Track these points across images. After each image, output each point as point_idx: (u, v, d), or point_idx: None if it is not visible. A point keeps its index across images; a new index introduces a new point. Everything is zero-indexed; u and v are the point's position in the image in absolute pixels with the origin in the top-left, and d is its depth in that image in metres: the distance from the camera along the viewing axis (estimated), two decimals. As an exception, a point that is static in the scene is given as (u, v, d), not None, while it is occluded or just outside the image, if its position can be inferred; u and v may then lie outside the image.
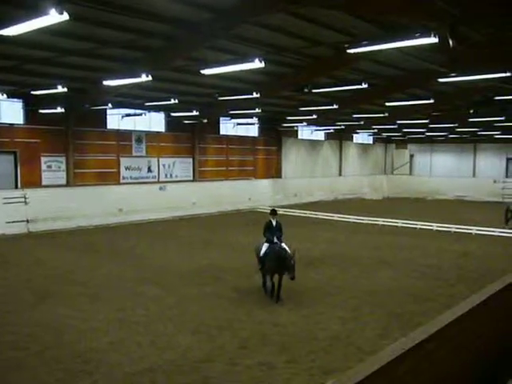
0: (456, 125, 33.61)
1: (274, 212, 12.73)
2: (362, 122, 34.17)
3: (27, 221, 21.82)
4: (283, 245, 12.11)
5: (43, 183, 23.86)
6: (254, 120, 32.49)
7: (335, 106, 23.89)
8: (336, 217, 27.51)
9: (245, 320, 10.54)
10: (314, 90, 20.21)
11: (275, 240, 12.14)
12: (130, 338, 9.42)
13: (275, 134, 36.40)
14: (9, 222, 21.13)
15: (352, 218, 26.90)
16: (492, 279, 10.30)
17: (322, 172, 41.42)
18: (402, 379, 3.74)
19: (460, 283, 13.87)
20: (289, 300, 12.02)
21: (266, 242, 12.23)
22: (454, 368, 5.02)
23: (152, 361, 8.36)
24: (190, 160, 30.73)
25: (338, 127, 37.34)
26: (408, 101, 23.53)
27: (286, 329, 10.00)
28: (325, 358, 8.57)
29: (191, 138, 30.58)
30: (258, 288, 13.07)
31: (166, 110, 27.59)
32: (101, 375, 7.82)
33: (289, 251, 11.70)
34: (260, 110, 26.51)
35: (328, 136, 41.96)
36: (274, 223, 12.37)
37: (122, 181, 27.12)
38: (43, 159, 23.91)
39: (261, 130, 35.34)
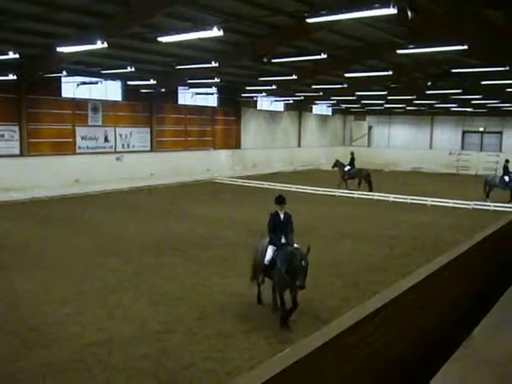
0: (414, 97, 34.06)
1: (281, 200, 9.26)
2: (321, 93, 34.22)
3: (-21, 192, 21.20)
4: (296, 246, 9.00)
5: (-5, 153, 23.12)
6: (213, 90, 32.14)
7: (295, 77, 23.85)
8: (294, 188, 27.67)
9: (203, 291, 10.56)
10: (273, 60, 20.10)
11: (283, 240, 9.06)
12: (88, 309, 9.33)
13: (234, 104, 36.14)
14: (-41, 193, 20.49)
15: (310, 190, 27.11)
16: (445, 249, 10.59)
17: (282, 143, 41.51)
18: (357, 345, 3.81)
19: (415, 253, 14.22)
20: (247, 270, 12.08)
21: (271, 244, 9.09)
22: (409, 334, 5.15)
23: (110, 332, 8.32)
24: (148, 130, 30.25)
25: (298, 98, 37.34)
26: (367, 72, 23.66)
27: (244, 298, 10.07)
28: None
29: (148, 107, 30.05)
30: (216, 259, 13.09)
31: (123, 78, 26.98)
32: (58, 347, 7.74)
33: (304, 254, 8.39)
34: (219, 80, 26.21)
35: (287, 107, 41.94)
36: (281, 216, 9.16)
37: (78, 151, 26.50)
38: (-5, 128, 23.13)
39: (220, 100, 35.01)
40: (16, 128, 23.75)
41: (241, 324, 8.74)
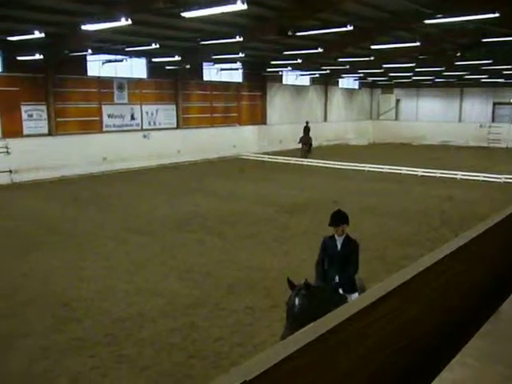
0: (443, 68, 33.30)
1: (337, 219, 6.28)
2: (347, 67, 33.70)
3: (10, 171, 21.57)
4: (352, 297, 6.12)
5: (25, 133, 23.42)
6: (238, 65, 31.92)
7: (320, 50, 23.50)
8: (321, 163, 27.51)
9: (230, 266, 10.64)
10: (298, 34, 19.81)
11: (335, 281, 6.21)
12: (117, 285, 9.49)
13: (259, 79, 35.86)
14: (-9, 173, 20.90)
15: (337, 164, 26.92)
16: (475, 223, 10.40)
17: (308, 118, 41.12)
18: (382, 320, 3.79)
19: (444, 227, 14.06)
20: (274, 245, 12.12)
21: (318, 279, 6.35)
22: (435, 309, 5.10)
23: (139, 307, 8.46)
24: (174, 107, 30.28)
25: (323, 72, 36.84)
26: (394, 44, 23.18)
27: (271, 274, 10.12)
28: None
29: (174, 84, 30.03)
30: (243, 234, 13.15)
31: (148, 55, 26.96)
32: (89, 322, 7.91)
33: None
34: (244, 55, 25.99)
35: (313, 81, 41.46)
36: (338, 244, 6.32)
37: (104, 129, 26.71)
38: (23, 108, 23.38)
39: (245, 75, 34.78)
40: (44, 107, 24.01)
41: (268, 299, 8.80)
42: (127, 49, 23.70)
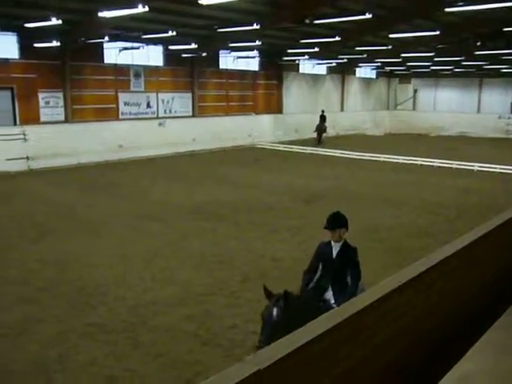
0: (462, 58, 32.88)
1: (334, 222, 5.55)
2: (364, 56, 33.42)
3: (27, 158, 21.73)
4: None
5: (42, 120, 23.58)
6: (255, 53, 31.79)
7: (337, 39, 23.31)
8: (337, 153, 27.37)
9: (245, 255, 10.64)
10: (315, 22, 19.66)
11: (328, 295, 5.51)
12: (132, 272, 9.54)
13: (276, 68, 35.69)
14: (9, 159, 21.04)
15: (353, 155, 26.76)
16: (492, 215, 10.32)
17: (324, 107, 40.90)
18: (400, 310, 3.76)
19: (460, 219, 13.93)
20: (288, 234, 12.10)
21: (303, 290, 5.60)
22: (451, 301, 5.06)
23: (154, 294, 8.49)
24: (190, 95, 30.27)
25: (341, 61, 36.57)
26: (413, 32, 22.90)
27: (285, 263, 10.11)
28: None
29: (190, 72, 30.00)
30: (257, 223, 13.13)
31: (164, 42, 26.93)
32: (105, 308, 7.96)
33: None
34: (260, 43, 25.87)
35: (330, 70, 41.17)
36: (334, 251, 5.56)
37: (121, 117, 26.81)
38: (41, 95, 23.53)
39: (261, 64, 34.63)
40: (60, 94, 24.13)
41: (281, 288, 8.76)
42: (144, 36, 23.72)
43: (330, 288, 5.54)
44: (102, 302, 8.19)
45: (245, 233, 12.33)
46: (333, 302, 5.39)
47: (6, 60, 22.16)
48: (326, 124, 33.99)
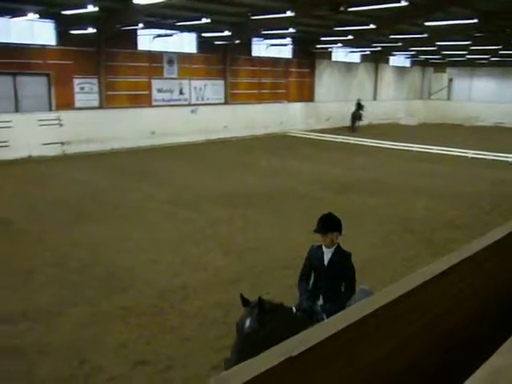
0: (500, 47, 32.09)
1: (326, 225, 5.12)
2: (399, 44, 32.90)
3: (62, 143, 22.11)
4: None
5: (76, 105, 23.94)
6: (288, 41, 31.59)
7: (372, 26, 22.99)
8: (370, 142, 27.10)
9: (274, 242, 10.66)
10: (350, 9, 19.41)
11: (318, 305, 5.07)
12: (163, 257, 9.67)
13: (309, 55, 35.42)
14: (45, 144, 21.46)
15: (386, 144, 26.46)
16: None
17: (356, 96, 40.46)
18: (431, 302, 3.73)
19: (494, 211, 13.69)
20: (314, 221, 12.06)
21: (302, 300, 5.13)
22: (482, 295, 4.99)
23: (184, 279, 8.60)
24: (222, 82, 30.30)
25: (374, 49, 36.09)
26: (450, 20, 22.41)
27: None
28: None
29: (223, 59, 30.00)
30: (287, 211, 13.12)
31: (198, 30, 26.97)
32: (135, 292, 8.10)
33: None
34: (294, 30, 25.70)
35: (363, 58, 40.68)
36: (325, 257, 5.12)
37: (153, 103, 27.02)
38: (76, 81, 23.87)
39: (294, 51, 34.40)
40: (95, 81, 24.44)
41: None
42: (178, 23, 23.79)
43: (321, 298, 5.10)
44: (133, 285, 8.34)
45: (275, 221, 12.35)
46: (324, 316, 4.83)
47: (44, 46, 22.52)
48: (363, 112, 34.13)
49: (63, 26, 22.27)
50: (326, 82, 37.70)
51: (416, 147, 25.34)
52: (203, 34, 27.20)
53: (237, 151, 24.03)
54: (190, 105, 28.33)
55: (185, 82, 28.39)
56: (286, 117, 32.94)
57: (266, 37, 30.05)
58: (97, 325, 7.05)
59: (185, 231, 11.35)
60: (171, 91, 27.72)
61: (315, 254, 5.17)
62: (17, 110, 22.12)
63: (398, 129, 37.14)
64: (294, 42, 32.70)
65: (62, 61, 23.12)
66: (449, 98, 47.55)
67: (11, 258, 9.51)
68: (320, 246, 5.13)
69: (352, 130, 32.56)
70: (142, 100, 26.39)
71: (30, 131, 20.99)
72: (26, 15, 18.62)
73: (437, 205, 14.32)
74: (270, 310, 4.38)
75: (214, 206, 13.64)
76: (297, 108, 34.56)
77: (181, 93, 28.20)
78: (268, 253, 9.99)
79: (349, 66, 39.69)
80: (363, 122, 34.83)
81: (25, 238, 10.77)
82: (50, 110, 22.99)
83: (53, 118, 22.02)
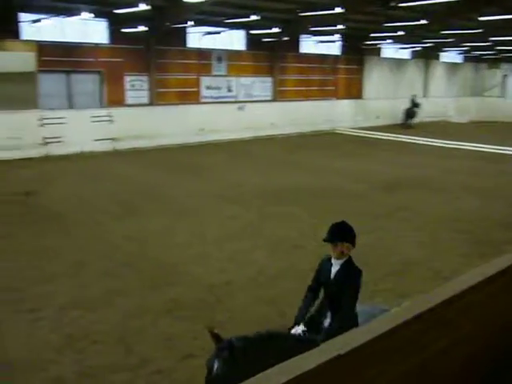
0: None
1: (336, 233, 4.77)
2: (451, 40, 32.15)
3: (112, 139, 22.61)
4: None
5: (127, 102, 24.45)
6: (336, 37, 31.32)
7: (423, 22, 22.54)
8: (419, 140, 26.60)
9: (320, 241, 10.56)
10: (400, 4, 19.10)
11: (326, 322, 4.68)
12: (209, 252, 9.77)
13: (357, 52, 35.00)
14: (96, 140, 22.00)
15: (436, 142, 25.91)
16: None
17: (406, 93, 39.73)
18: (482, 304, 3.65)
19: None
20: (364, 222, 11.94)
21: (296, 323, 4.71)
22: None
23: (230, 275, 8.67)
24: (270, 79, 30.32)
25: (425, 45, 35.37)
26: (506, 15, 21.72)
27: (361, 251, 9.97)
28: (400, 281, 8.54)
29: (271, 56, 30.00)
30: (334, 209, 13.04)
31: (246, 27, 27.06)
32: (182, 286, 8.22)
33: None
34: (343, 27, 25.47)
35: (413, 54, 39.91)
36: (333, 269, 4.68)
37: (202, 100, 27.29)
38: (127, 78, 24.36)
39: (343, 48, 34.07)
40: (145, 78, 24.88)
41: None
42: (227, 21, 23.94)
43: (328, 316, 4.67)
44: (180, 279, 8.47)
45: (321, 219, 12.28)
46: (328, 323, 4.63)
47: (96, 45, 23.06)
48: (418, 109, 33.92)
49: (115, 25, 22.76)
50: (374, 79, 37.19)
51: (467, 145, 24.72)
52: (252, 32, 27.28)
53: (284, 148, 24.00)
54: (237, 102, 28.46)
55: (233, 79, 28.55)
56: (334, 114, 32.66)
57: (315, 33, 29.88)
58: (144, 317, 7.19)
59: (232, 227, 11.43)
60: (219, 88, 27.94)
61: (325, 266, 4.76)
62: (70, 106, 22.79)
63: (449, 127, 36.30)
64: (343, 39, 32.39)
65: (113, 58, 23.64)
66: (502, 96, 46.11)
67: (64, 250, 9.81)
68: (330, 258, 4.70)
69: (405, 126, 32.23)
70: (190, 97, 26.69)
71: (82, 127, 21.57)
72: (80, 15, 19.11)
73: (490, 204, 13.92)
74: (243, 351, 3.84)
75: (261, 202, 13.68)
76: (345, 105, 34.22)
77: (229, 90, 28.37)
78: (314, 251, 9.96)
79: (398, 63, 39.02)
80: (415, 120, 34.31)
81: (77, 230, 11.09)
82: (102, 106, 23.54)
83: (104, 115, 22.54)
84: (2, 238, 10.45)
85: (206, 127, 25.67)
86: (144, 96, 24.96)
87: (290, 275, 8.68)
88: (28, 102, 20.50)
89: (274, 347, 3.92)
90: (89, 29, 22.64)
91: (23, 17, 20.46)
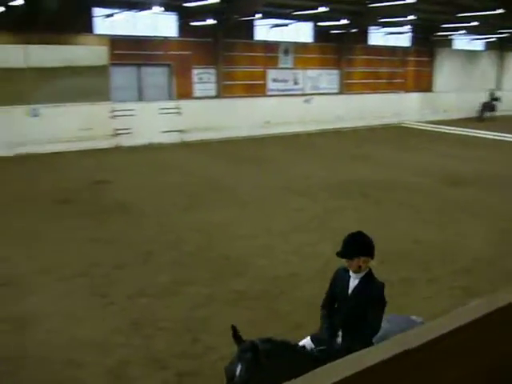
0: None
1: (353, 247, 4.19)
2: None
3: (180, 131, 23.03)
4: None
5: (194, 95, 24.83)
6: (406, 28, 30.55)
7: (500, 11, 21.62)
8: (490, 135, 25.59)
9: (386, 235, 10.41)
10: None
11: (337, 342, 4.20)
12: (275, 244, 9.80)
13: (428, 44, 33.98)
14: (164, 132, 22.48)
15: (508, 137, 24.84)
16: None
17: (478, 86, 38.26)
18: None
19: None
20: (433, 217, 11.65)
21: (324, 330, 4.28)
22: None
23: (295, 267, 8.68)
24: (336, 72, 29.97)
25: (501, 36, 33.94)
26: None
27: (428, 247, 9.76)
28: (468, 279, 8.28)
29: (338, 48, 29.62)
30: (401, 204, 12.78)
31: (314, 19, 26.82)
32: (248, 277, 8.31)
33: None
34: (413, 18, 24.80)
35: (487, 46, 38.36)
36: (351, 284, 4.17)
37: (268, 93, 27.32)
38: (195, 71, 24.72)
39: (412, 39, 33.20)
40: (213, 71, 25.16)
41: (425, 272, 8.53)
42: (294, 13, 23.83)
43: (339, 335, 4.22)
44: (246, 271, 8.55)
45: (387, 212, 12.09)
46: (339, 342, 4.19)
47: (166, 38, 23.51)
48: (497, 103, 32.94)
49: (184, 18, 23.11)
50: (445, 72, 36.01)
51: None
52: (319, 24, 27.02)
53: (350, 141, 23.72)
54: (304, 95, 28.31)
55: (299, 72, 28.42)
56: (402, 107, 31.92)
57: (384, 25, 29.26)
58: (210, 306, 7.31)
59: (297, 220, 11.42)
60: (286, 81, 27.88)
61: (341, 278, 4.24)
62: (140, 99, 23.38)
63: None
64: (413, 30, 31.55)
65: (182, 51, 24.02)
66: None
67: (133, 239, 10.10)
68: (348, 270, 4.20)
69: (480, 120, 31.46)
70: (257, 90, 26.78)
71: (151, 119, 22.10)
72: (151, 8, 19.53)
73: None
74: (267, 354, 3.54)
75: (327, 195, 13.59)
76: (413, 98, 33.36)
77: (295, 83, 28.26)
78: (379, 245, 9.76)
79: (471, 55, 37.59)
80: (492, 114, 33.24)
81: (145, 221, 11.38)
82: (170, 99, 23.99)
83: (172, 107, 22.98)
84: (75, 228, 10.86)
85: (272, 120, 25.70)
86: (211, 89, 25.26)
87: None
88: (100, 94, 21.20)
89: (297, 360, 3.64)
90: (158, 22, 23.10)
91: (97, 11, 21.13)
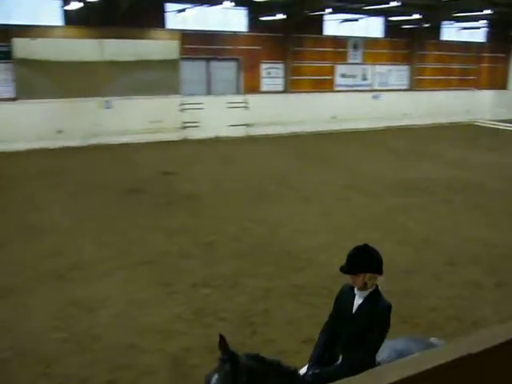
0: None
1: (357, 262, 3.80)
2: None
3: (247, 125, 23.25)
4: None
5: (262, 89, 24.98)
6: (481, 23, 29.45)
7: None
8: None
9: (452, 236, 10.19)
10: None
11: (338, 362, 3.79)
12: (337, 241, 9.77)
13: (504, 39, 32.61)
14: (231, 125, 22.76)
15: None
16: None
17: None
18: None
19: None
20: (504, 219, 11.26)
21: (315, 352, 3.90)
22: None
23: (356, 265, 8.62)
24: (407, 68, 29.33)
25: None
26: None
27: (498, 249, 9.46)
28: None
29: (409, 44, 28.95)
30: (469, 204, 12.42)
31: (385, 14, 26.34)
32: (308, 272, 8.35)
33: None
34: (490, 12, 23.88)
35: None
36: (355, 302, 3.80)
37: (336, 88, 27.11)
38: (263, 66, 24.87)
39: (488, 35, 31.97)
40: (281, 66, 25.22)
41: (492, 276, 8.28)
42: (365, 7, 23.50)
43: (340, 358, 3.82)
44: (307, 266, 8.59)
45: (455, 213, 11.79)
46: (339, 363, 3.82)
47: (235, 33, 23.77)
48: None
49: (254, 13, 23.26)
50: (522, 69, 34.50)
51: None
52: (390, 18, 26.51)
53: (419, 139, 23.17)
54: (372, 90, 27.91)
55: (368, 67, 28.03)
56: (473, 105, 30.81)
57: (458, 19, 28.33)
58: (269, 299, 7.41)
59: (360, 217, 11.34)
60: (354, 76, 27.57)
61: (346, 296, 3.90)
62: (208, 92, 23.77)
63: None
64: (489, 25, 30.38)
65: (251, 46, 24.22)
66: None
67: (198, 230, 10.36)
68: (350, 288, 3.88)
69: None
70: (324, 85, 26.63)
71: (218, 113, 22.44)
72: (222, 3, 19.79)
73: None
74: (250, 372, 3.28)
75: (391, 193, 13.41)
76: (486, 96, 32.11)
77: (364, 78, 27.90)
78: (446, 246, 9.60)
79: (552, 51, 35.84)
80: None
81: (210, 212, 11.63)
82: (238, 93, 24.25)
83: (240, 101, 23.23)
84: (143, 216, 11.25)
85: (339, 115, 25.50)
86: (279, 83, 25.34)
87: (418, 270, 8.46)
88: (171, 88, 21.74)
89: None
90: (229, 17, 23.37)
91: (169, 7, 21.63)
